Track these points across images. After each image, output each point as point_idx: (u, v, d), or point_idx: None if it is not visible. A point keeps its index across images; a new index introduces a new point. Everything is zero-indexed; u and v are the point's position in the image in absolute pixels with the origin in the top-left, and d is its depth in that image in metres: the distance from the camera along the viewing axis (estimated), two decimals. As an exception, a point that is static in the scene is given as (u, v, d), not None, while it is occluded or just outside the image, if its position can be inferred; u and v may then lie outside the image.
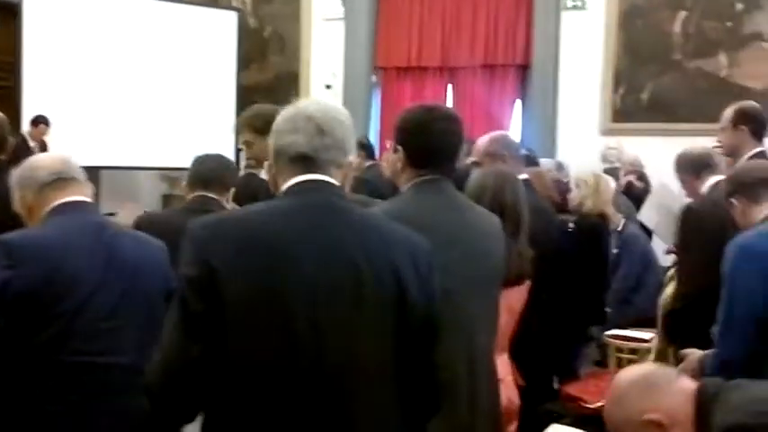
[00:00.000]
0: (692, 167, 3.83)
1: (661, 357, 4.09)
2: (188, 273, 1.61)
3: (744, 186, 2.84)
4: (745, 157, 3.71)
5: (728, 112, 3.83)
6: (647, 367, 1.94)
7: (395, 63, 9.23)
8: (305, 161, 1.73)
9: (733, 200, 2.87)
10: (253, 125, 3.35)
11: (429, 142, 2.29)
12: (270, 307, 1.60)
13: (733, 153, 3.83)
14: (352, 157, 1.81)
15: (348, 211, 1.76)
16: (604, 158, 8.14)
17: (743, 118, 3.78)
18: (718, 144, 4.09)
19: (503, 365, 2.69)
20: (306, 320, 1.61)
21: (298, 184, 1.73)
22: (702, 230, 3.48)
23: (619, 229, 5.62)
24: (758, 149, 3.74)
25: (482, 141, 3.65)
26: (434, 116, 2.34)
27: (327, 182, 1.74)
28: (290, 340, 1.61)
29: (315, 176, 1.73)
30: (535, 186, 3.87)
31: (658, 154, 7.62)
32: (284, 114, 1.77)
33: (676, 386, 1.81)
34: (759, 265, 2.61)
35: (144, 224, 2.99)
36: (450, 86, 9.11)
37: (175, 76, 8.80)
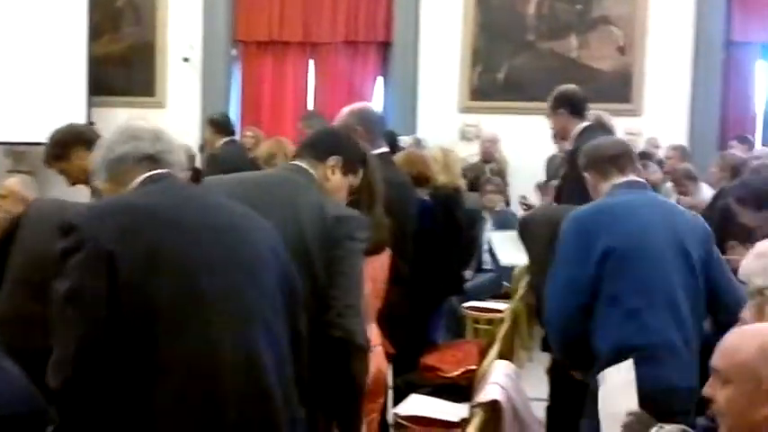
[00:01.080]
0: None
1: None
2: (79, 257, 1.65)
3: (595, 162, 3.07)
4: (573, 134, 4.03)
5: (548, 100, 4.15)
6: None
7: (256, 37, 9.05)
8: (151, 160, 1.85)
9: (586, 174, 3.11)
10: (54, 155, 3.25)
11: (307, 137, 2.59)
12: (162, 263, 1.68)
13: (563, 135, 4.23)
14: (184, 175, 1.99)
15: (213, 196, 1.95)
16: (463, 135, 8.36)
17: (559, 102, 4.14)
18: (551, 129, 4.44)
19: (372, 334, 2.73)
20: (197, 267, 1.73)
21: (151, 176, 1.83)
22: (532, 238, 3.78)
23: None
24: (583, 125, 4.05)
25: (341, 114, 3.68)
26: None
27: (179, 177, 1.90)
28: (188, 293, 1.70)
29: (166, 171, 1.86)
30: (402, 163, 3.95)
31: (514, 132, 7.91)
32: (114, 131, 1.90)
33: None
34: (582, 227, 2.85)
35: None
36: (311, 62, 9.05)
37: (21, 46, 8.30)
